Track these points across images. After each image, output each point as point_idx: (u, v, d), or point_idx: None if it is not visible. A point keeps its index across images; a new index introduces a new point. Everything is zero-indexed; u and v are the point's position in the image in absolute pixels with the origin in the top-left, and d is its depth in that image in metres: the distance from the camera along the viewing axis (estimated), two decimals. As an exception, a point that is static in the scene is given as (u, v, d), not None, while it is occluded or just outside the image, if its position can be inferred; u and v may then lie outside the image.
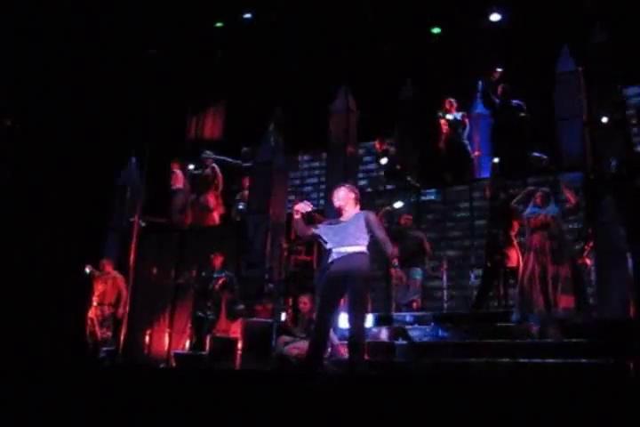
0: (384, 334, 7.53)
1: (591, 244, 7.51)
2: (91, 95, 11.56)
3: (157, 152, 9.85)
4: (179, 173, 11.60)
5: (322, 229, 5.36)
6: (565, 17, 10.21)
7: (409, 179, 10.11)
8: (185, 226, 11.26)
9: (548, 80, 9.35)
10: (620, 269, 6.84)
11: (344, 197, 5.36)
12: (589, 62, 9.07)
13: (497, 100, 9.75)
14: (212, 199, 11.20)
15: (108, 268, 9.58)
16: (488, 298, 8.09)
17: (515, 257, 7.70)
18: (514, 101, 9.61)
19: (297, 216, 5.32)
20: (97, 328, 9.23)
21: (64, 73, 11.45)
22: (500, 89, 9.71)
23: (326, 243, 5.32)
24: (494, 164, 9.28)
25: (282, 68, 11.70)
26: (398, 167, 10.45)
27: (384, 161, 10.64)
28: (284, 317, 8.05)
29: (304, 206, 5.28)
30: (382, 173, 11.24)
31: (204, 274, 9.10)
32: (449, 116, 10.15)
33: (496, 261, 7.82)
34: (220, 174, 11.30)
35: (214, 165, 11.35)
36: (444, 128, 10.24)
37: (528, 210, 7.23)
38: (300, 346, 6.59)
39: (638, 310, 6.45)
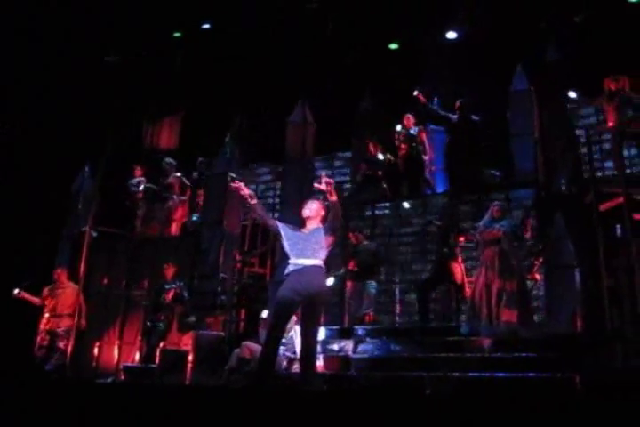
0: (338, 347, 7.52)
1: (541, 259, 7.65)
2: (45, 101, 11.37)
3: (112, 160, 9.71)
4: (143, 180, 11.37)
5: (285, 230, 5.34)
6: (520, 36, 10.44)
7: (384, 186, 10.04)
8: (143, 236, 11.04)
9: (503, 98, 9.52)
10: (568, 285, 6.96)
11: (315, 209, 5.40)
12: (542, 81, 9.26)
13: (454, 116, 9.80)
14: (176, 208, 11.01)
15: (62, 277, 9.24)
16: (429, 310, 8.16)
17: (459, 272, 7.84)
18: (472, 116, 9.68)
19: (253, 201, 5.32)
20: (48, 341, 8.85)
21: (19, 78, 11.24)
22: (457, 104, 9.78)
23: (285, 245, 5.32)
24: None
25: (240, 80, 11.67)
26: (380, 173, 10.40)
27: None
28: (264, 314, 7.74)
29: (242, 188, 5.27)
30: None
31: (156, 286, 8.97)
32: (402, 130, 10.15)
33: (436, 276, 7.94)
34: (186, 182, 11.12)
35: (178, 173, 11.16)
36: (401, 143, 10.26)
37: (483, 222, 7.35)
38: (252, 347, 6.57)
39: (586, 325, 6.57)
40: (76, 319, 8.52)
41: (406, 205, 10.03)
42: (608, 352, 5.89)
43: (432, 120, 10.47)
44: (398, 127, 10.40)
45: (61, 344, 8.69)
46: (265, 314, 7.31)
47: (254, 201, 5.34)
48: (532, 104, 9.26)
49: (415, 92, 9.73)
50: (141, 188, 11.15)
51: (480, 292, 7.03)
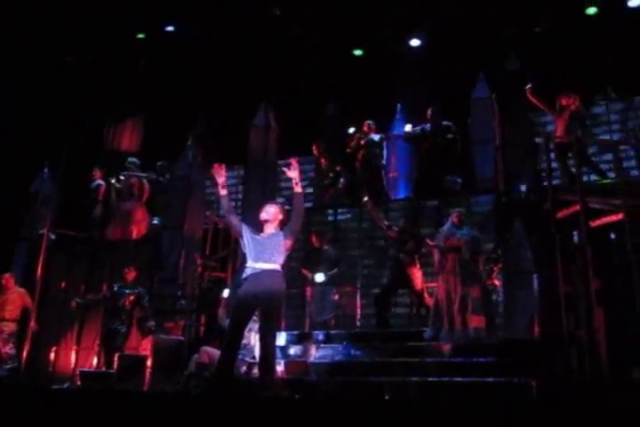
0: (298, 352, 7.50)
1: (500, 265, 7.75)
2: (4, 101, 11.16)
3: (72, 162, 9.57)
4: (103, 184, 11.20)
5: (247, 232, 5.31)
6: (482, 45, 10.59)
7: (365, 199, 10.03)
8: (104, 239, 10.85)
9: (465, 105, 9.63)
10: (526, 290, 7.05)
11: (274, 213, 5.38)
12: (503, 89, 9.40)
13: (427, 125, 9.75)
14: (136, 210, 10.83)
15: (9, 283, 9.05)
16: (388, 315, 8.20)
17: (418, 278, 7.90)
18: (444, 122, 9.69)
19: (224, 192, 5.30)
20: None
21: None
22: (429, 113, 9.74)
23: (245, 248, 5.30)
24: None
25: (203, 83, 11.61)
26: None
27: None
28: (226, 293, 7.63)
29: (222, 174, 5.28)
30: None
31: (115, 289, 8.83)
32: (362, 136, 10.13)
33: (395, 281, 7.99)
34: (146, 184, 10.95)
35: (139, 174, 10.99)
36: (362, 150, 10.23)
37: (446, 229, 7.44)
38: (211, 353, 6.52)
39: (543, 330, 6.66)
40: (32, 323, 8.41)
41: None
42: (564, 357, 5.99)
43: (410, 141, 10.47)
44: (351, 130, 10.37)
45: (7, 349, 8.54)
46: (226, 293, 7.27)
47: (224, 191, 5.32)
48: (493, 112, 9.39)
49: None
50: (101, 189, 10.99)
51: (442, 298, 7.12)
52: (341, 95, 11.49)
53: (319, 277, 8.23)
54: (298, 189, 5.31)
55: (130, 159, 11.10)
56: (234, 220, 5.40)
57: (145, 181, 10.87)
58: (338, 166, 10.56)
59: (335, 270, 8.50)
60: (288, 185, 12.34)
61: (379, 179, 10.11)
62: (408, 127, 10.08)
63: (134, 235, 10.58)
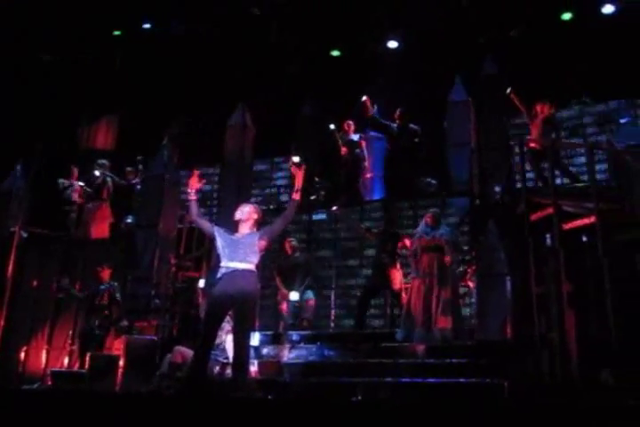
0: (272, 352, 7.48)
1: (474, 267, 7.80)
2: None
3: (46, 160, 9.46)
4: (76, 183, 11.10)
5: (219, 233, 5.31)
6: (459, 48, 10.67)
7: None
8: (75, 237, 10.76)
9: (441, 108, 9.68)
10: (499, 292, 7.10)
11: (248, 213, 5.38)
12: (479, 93, 9.46)
13: (394, 125, 9.83)
14: (101, 209, 10.78)
15: None
16: (366, 316, 8.22)
17: (398, 279, 7.92)
18: (411, 126, 9.75)
19: (194, 197, 5.32)
20: None
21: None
22: (397, 113, 9.80)
23: (219, 248, 5.29)
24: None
25: (180, 82, 11.55)
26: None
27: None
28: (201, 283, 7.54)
29: (196, 183, 5.30)
30: (275, 191, 11.23)
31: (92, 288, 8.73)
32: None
33: (376, 283, 8.02)
34: (110, 184, 10.92)
35: (105, 173, 10.93)
36: (342, 150, 10.24)
37: (419, 229, 7.46)
38: (184, 352, 6.48)
39: (515, 332, 6.72)
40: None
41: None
42: (535, 358, 6.04)
43: (372, 128, 10.52)
44: (332, 126, 10.37)
45: None
46: (202, 283, 7.26)
47: (195, 197, 5.33)
48: (470, 115, 9.45)
49: (364, 98, 9.75)
50: (75, 188, 10.89)
51: (416, 299, 7.14)
52: (319, 96, 11.49)
53: (294, 296, 8.26)
54: (296, 197, 5.34)
55: (98, 161, 11.05)
56: (203, 224, 5.43)
57: (110, 181, 10.83)
58: (316, 177, 10.53)
59: (308, 279, 8.52)
60: (264, 184, 12.43)
61: (357, 181, 10.13)
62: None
63: (97, 234, 10.50)
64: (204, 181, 5.49)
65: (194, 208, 5.40)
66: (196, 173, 5.42)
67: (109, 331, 8.43)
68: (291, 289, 8.24)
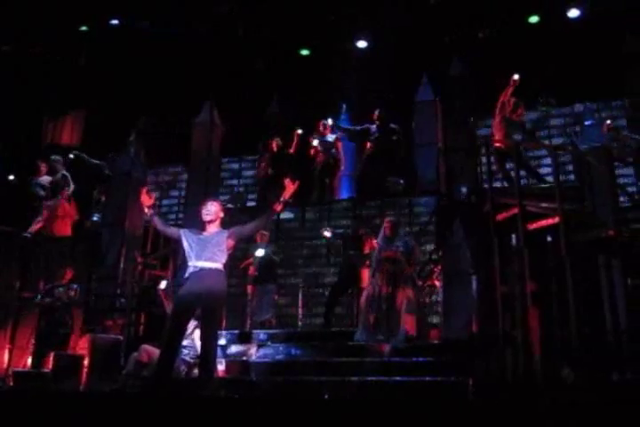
0: (239, 351, 7.46)
1: (440, 266, 7.86)
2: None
3: (7, 156, 9.30)
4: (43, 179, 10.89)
5: (186, 234, 5.30)
6: (426, 48, 10.74)
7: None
8: (37, 235, 10.54)
9: (409, 107, 9.74)
10: (465, 291, 7.17)
11: (215, 213, 5.36)
12: (446, 93, 9.54)
13: (373, 126, 9.78)
14: (62, 206, 10.58)
15: None
16: (334, 314, 8.25)
17: (367, 278, 7.95)
18: (391, 125, 9.72)
19: (150, 212, 5.34)
20: None
21: None
22: (375, 115, 9.76)
23: (186, 248, 5.27)
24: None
25: (148, 79, 11.44)
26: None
27: None
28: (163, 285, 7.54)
29: (147, 199, 5.30)
30: (243, 190, 11.20)
31: (49, 287, 8.61)
32: (315, 142, 10.06)
33: (345, 281, 8.04)
34: (69, 180, 10.71)
35: (64, 171, 10.74)
36: (317, 150, 10.16)
37: (379, 240, 7.49)
38: (150, 351, 6.43)
39: (480, 330, 6.79)
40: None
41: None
42: (499, 356, 6.11)
43: (349, 137, 10.49)
44: (299, 131, 10.33)
45: None
46: (163, 285, 7.20)
47: (150, 212, 5.31)
48: (437, 115, 9.52)
49: (315, 142, 9.81)
50: (41, 184, 10.72)
51: (369, 300, 7.17)
52: (287, 94, 11.49)
53: (259, 253, 8.34)
54: (277, 208, 5.32)
55: (53, 157, 10.85)
56: (169, 231, 5.46)
57: (69, 177, 10.66)
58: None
59: (273, 247, 8.59)
60: (231, 183, 12.38)
61: (333, 179, 10.12)
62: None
63: (60, 232, 10.32)
64: (154, 195, 5.47)
65: (156, 222, 5.42)
66: (144, 189, 5.42)
67: (72, 332, 8.32)
68: (261, 284, 8.27)
